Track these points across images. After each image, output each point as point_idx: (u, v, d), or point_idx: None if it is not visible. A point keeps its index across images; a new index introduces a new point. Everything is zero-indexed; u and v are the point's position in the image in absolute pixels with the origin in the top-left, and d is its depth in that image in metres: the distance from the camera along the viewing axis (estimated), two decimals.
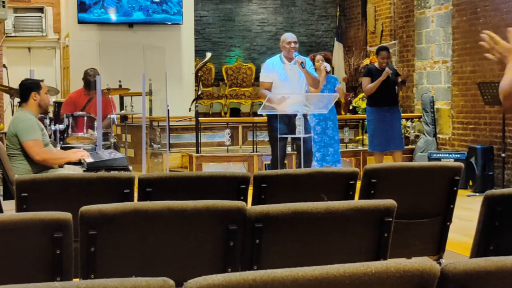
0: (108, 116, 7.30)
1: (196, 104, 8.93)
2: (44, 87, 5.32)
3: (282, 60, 6.82)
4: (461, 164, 3.58)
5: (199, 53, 12.29)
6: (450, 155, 8.65)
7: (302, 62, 6.61)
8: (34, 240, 2.32)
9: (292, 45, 6.74)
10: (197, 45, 12.36)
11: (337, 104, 9.88)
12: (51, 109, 8.57)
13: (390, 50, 9.98)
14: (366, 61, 11.11)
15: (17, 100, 5.58)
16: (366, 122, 8.42)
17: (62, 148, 6.20)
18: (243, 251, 2.41)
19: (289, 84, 6.78)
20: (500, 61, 2.61)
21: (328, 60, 7.68)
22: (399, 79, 7.89)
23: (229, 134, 9.12)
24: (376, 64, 8.01)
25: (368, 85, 7.79)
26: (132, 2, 11.34)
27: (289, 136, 6.91)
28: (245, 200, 3.26)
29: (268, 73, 6.82)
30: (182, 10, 11.52)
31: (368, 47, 12.16)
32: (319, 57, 7.69)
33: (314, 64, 7.64)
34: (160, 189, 3.17)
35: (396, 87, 7.93)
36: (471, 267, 1.58)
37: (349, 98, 11.47)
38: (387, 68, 7.76)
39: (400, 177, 3.53)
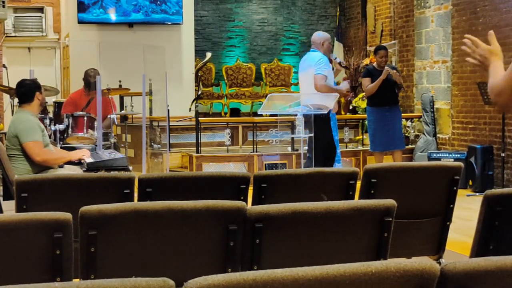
0: (108, 116, 7.30)
1: (196, 104, 8.93)
2: (41, 86, 5.36)
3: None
4: (461, 164, 3.58)
5: (199, 53, 12.29)
6: (450, 155, 8.65)
7: (341, 63, 7.10)
8: (34, 240, 2.32)
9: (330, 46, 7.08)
10: (197, 45, 12.36)
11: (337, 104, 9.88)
12: (51, 109, 8.59)
13: (390, 50, 9.99)
14: (366, 61, 11.10)
15: (17, 100, 5.57)
16: (366, 122, 8.42)
17: (62, 148, 6.20)
18: (243, 251, 2.41)
19: (333, 81, 7.03)
20: (482, 63, 2.63)
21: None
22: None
23: (229, 134, 9.12)
24: (375, 64, 8.01)
25: (368, 85, 7.79)
26: (131, 2, 11.34)
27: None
28: (245, 200, 3.26)
29: (328, 69, 6.91)
30: (181, 10, 11.53)
31: (368, 47, 12.15)
32: None
33: None
34: (160, 189, 3.17)
35: (396, 87, 7.94)
36: (471, 267, 1.58)
37: (349, 98, 11.46)
38: (386, 67, 7.76)
39: (400, 177, 3.53)
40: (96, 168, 5.20)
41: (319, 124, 6.59)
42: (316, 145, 6.64)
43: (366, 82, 7.86)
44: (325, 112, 7.03)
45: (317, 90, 6.69)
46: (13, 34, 11.45)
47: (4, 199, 4.66)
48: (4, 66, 10.03)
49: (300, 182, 3.46)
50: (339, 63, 7.14)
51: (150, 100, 10.69)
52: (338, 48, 13.07)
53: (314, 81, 6.71)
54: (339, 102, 10.92)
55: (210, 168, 8.62)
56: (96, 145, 6.40)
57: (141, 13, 11.42)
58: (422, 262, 1.55)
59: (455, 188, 3.51)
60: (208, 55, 8.88)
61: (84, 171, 5.20)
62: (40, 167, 5.09)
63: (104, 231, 2.34)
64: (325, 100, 6.86)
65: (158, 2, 11.44)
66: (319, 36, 7.05)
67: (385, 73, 7.66)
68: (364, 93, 8.93)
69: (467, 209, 6.49)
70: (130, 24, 11.43)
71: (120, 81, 9.68)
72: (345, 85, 7.17)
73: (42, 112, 7.26)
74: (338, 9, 13.69)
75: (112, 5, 11.28)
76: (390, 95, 7.83)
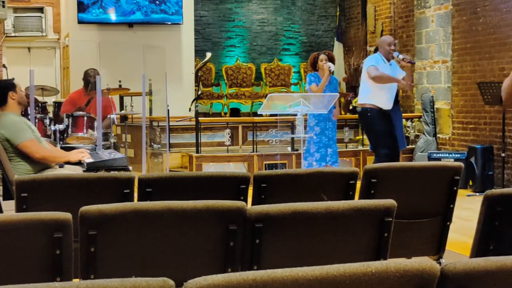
0: (108, 116, 7.30)
1: (196, 104, 8.93)
2: (18, 84, 5.29)
3: (383, 60, 7.08)
4: (461, 164, 3.58)
5: (199, 53, 12.29)
6: (450, 155, 8.65)
7: (405, 59, 7.12)
8: (34, 240, 2.32)
9: (392, 47, 7.14)
10: (197, 45, 12.36)
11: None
12: (50, 109, 8.59)
13: None
14: None
15: None
16: None
17: (62, 148, 6.20)
18: (243, 251, 2.41)
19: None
20: None
21: (332, 59, 7.66)
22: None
23: (229, 134, 9.12)
24: None
25: None
26: (130, 2, 11.34)
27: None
28: (245, 200, 3.26)
29: (376, 61, 7.03)
30: (181, 10, 11.53)
31: (368, 47, 12.16)
32: (323, 56, 7.67)
33: (317, 63, 7.65)
34: (160, 189, 3.17)
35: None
36: (471, 267, 1.58)
37: (349, 98, 11.47)
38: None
39: (400, 177, 3.53)
40: (96, 168, 5.20)
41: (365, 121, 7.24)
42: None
43: None
44: (325, 112, 7.07)
45: (374, 81, 6.91)
46: (13, 34, 11.45)
47: (4, 199, 4.66)
48: (4, 66, 10.03)
49: (300, 182, 3.45)
50: (403, 59, 7.08)
51: (150, 100, 10.69)
52: (338, 48, 13.07)
53: (368, 76, 6.94)
54: (339, 102, 10.93)
55: (210, 168, 8.62)
56: (96, 145, 6.39)
57: (141, 13, 11.42)
58: (422, 262, 1.55)
59: (455, 188, 3.51)
60: (208, 55, 8.89)
61: (84, 171, 5.20)
62: (39, 166, 5.08)
63: (104, 231, 2.34)
64: (323, 101, 6.88)
65: (158, 2, 11.43)
66: (381, 40, 7.37)
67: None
68: None
69: (467, 209, 6.50)
70: (130, 24, 11.43)
71: (120, 81, 9.68)
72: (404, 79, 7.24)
73: (42, 112, 7.27)
74: (338, 9, 13.69)
75: (111, 5, 11.28)
76: None
